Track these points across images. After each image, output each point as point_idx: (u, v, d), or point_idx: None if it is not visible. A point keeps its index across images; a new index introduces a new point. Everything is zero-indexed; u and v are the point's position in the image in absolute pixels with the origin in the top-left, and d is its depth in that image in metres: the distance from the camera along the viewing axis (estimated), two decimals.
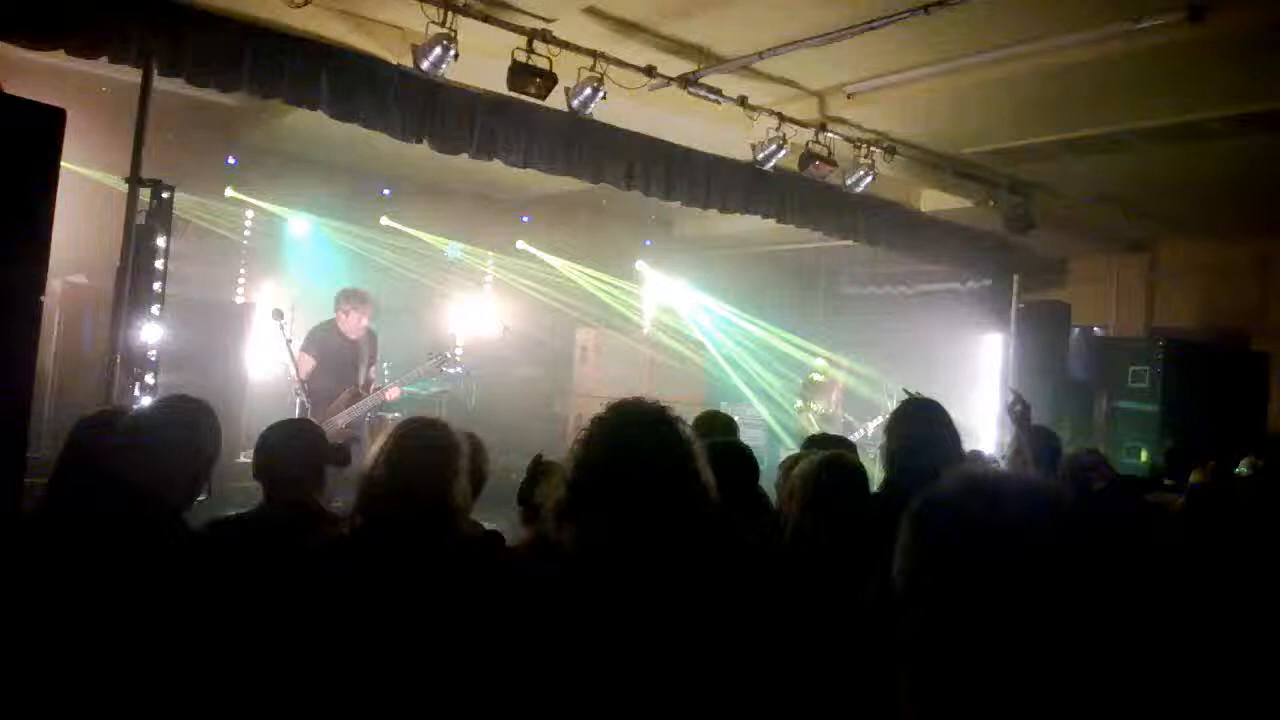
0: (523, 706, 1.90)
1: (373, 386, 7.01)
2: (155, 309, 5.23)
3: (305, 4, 4.95)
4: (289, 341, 6.56)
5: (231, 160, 8.56)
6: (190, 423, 2.69)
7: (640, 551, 1.94)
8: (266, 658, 2.52)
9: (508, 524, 3.21)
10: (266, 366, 8.14)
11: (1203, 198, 8.20)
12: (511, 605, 2.07)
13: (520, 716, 1.91)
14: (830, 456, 3.13)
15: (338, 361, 6.92)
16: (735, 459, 3.40)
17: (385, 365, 7.68)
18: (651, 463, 2.00)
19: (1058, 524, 1.22)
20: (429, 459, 2.63)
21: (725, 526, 2.24)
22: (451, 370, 7.55)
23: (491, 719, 2.00)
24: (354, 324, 7.00)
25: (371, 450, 2.68)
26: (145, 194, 5.18)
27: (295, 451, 3.07)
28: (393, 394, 7.11)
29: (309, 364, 6.77)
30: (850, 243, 9.08)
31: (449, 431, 2.75)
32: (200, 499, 2.68)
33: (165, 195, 5.22)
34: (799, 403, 10.14)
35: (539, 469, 3.19)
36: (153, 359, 5.25)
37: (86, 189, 6.83)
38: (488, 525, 3.05)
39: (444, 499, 2.62)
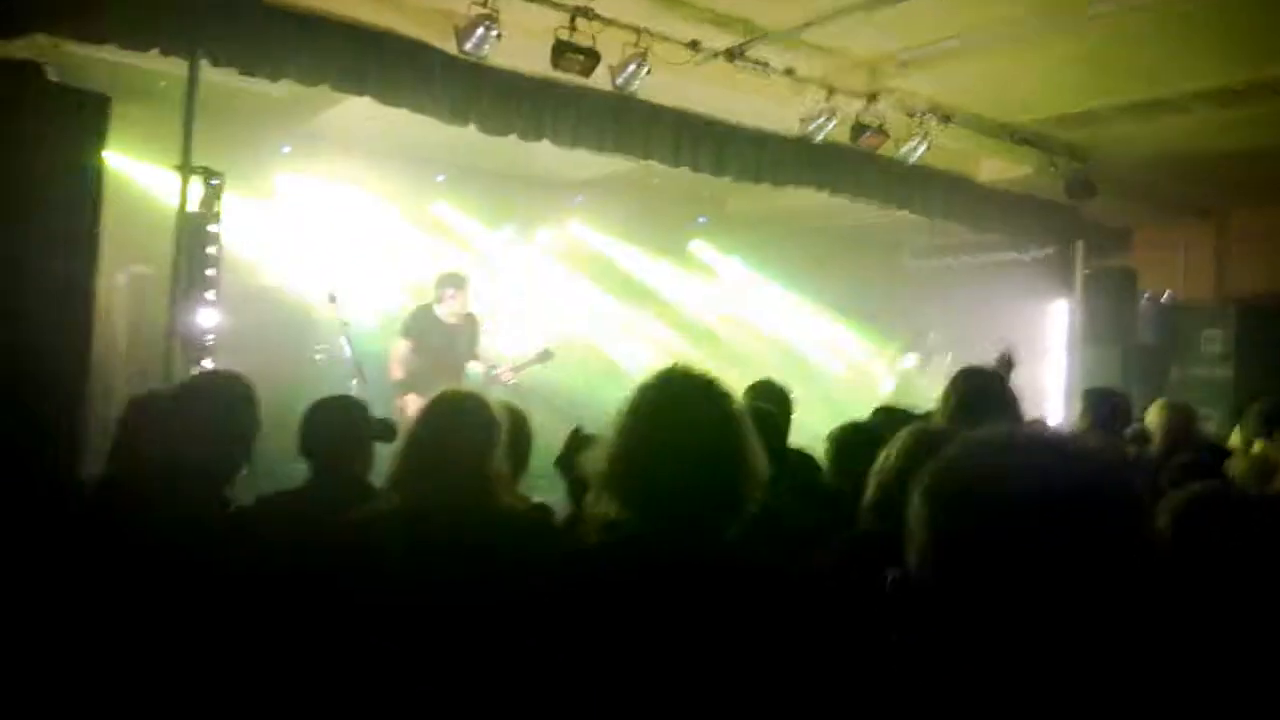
0: (565, 687, 1.86)
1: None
2: (210, 294, 5.35)
3: None
4: (345, 324, 6.66)
5: (286, 149, 8.67)
6: (224, 398, 2.73)
7: (679, 534, 1.88)
8: (311, 633, 2.55)
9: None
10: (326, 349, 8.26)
11: (1271, 160, 7.87)
12: (552, 583, 2.03)
13: (563, 696, 1.89)
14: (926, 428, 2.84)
15: (436, 346, 6.98)
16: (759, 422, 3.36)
17: None
18: (697, 437, 1.91)
19: (1079, 489, 1.12)
20: (463, 430, 2.62)
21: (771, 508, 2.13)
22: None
23: (533, 696, 1.98)
24: (455, 305, 7.06)
25: (405, 426, 2.70)
26: (196, 182, 5.29)
27: (339, 427, 3.10)
28: (507, 377, 7.20)
29: (404, 347, 6.86)
30: (909, 214, 8.92)
31: (484, 404, 2.74)
32: (241, 474, 2.72)
33: (215, 183, 5.32)
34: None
35: (579, 439, 3.18)
36: (209, 342, 5.36)
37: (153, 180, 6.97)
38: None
39: (480, 469, 2.61)
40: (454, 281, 7.12)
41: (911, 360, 9.80)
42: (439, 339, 6.99)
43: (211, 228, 5.34)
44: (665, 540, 1.88)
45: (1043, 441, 1.23)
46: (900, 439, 2.61)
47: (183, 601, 2.47)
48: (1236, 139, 7.35)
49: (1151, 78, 6.35)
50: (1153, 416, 4.86)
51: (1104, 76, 6.39)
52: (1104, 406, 4.73)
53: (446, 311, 7.02)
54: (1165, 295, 9.59)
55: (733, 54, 6.22)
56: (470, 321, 7.19)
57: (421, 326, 6.97)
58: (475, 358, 7.19)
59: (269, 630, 2.56)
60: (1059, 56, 6.10)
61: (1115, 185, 8.49)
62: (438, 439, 2.62)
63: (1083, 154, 8.04)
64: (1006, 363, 4.19)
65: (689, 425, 1.92)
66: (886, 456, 2.59)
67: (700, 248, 11.56)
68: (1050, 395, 9.66)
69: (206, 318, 5.38)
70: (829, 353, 11.68)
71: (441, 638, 2.39)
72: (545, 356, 7.47)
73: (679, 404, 1.96)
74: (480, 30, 5.39)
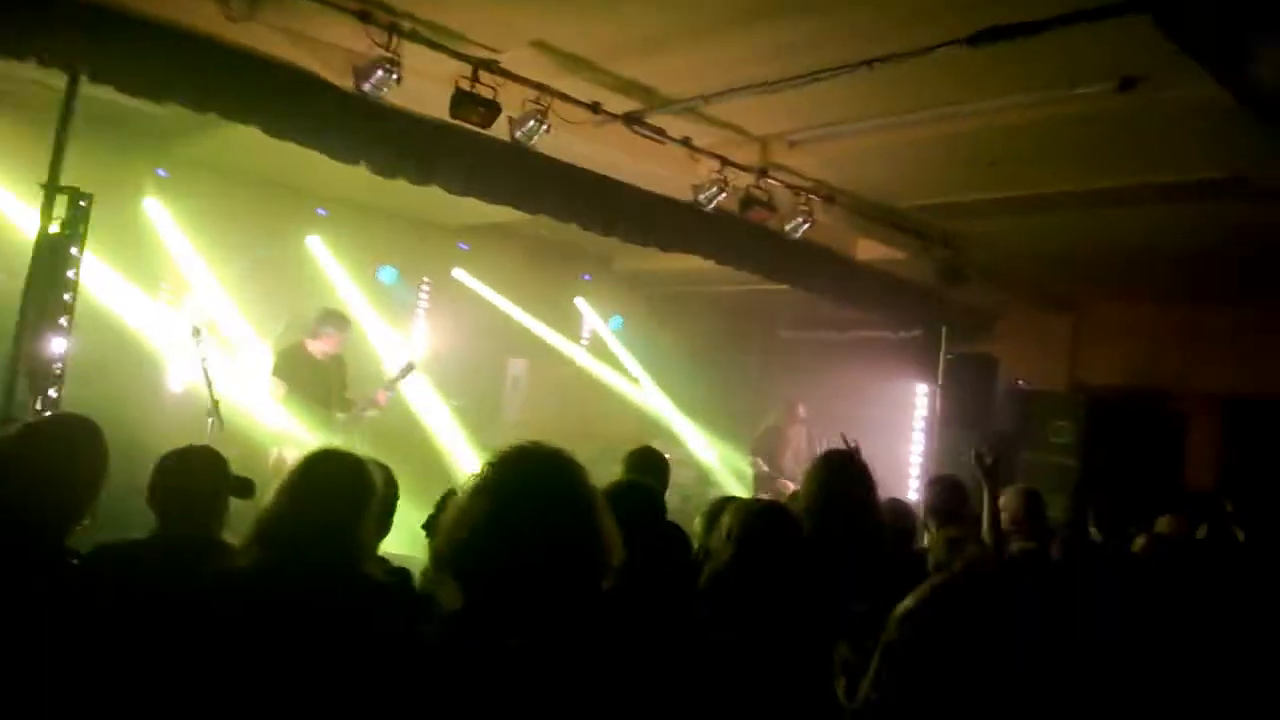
0: None
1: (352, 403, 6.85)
2: (64, 320, 5.03)
3: (246, 20, 4.81)
4: (204, 359, 6.35)
5: (162, 172, 8.32)
6: (69, 443, 2.55)
7: (521, 621, 1.79)
8: (149, 692, 2.39)
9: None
10: (182, 384, 7.90)
11: (1130, 261, 8.43)
12: (399, 659, 1.95)
13: None
14: (766, 502, 3.16)
15: (311, 383, 6.70)
16: (636, 502, 3.35)
17: None
18: (544, 523, 1.83)
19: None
20: (335, 496, 2.53)
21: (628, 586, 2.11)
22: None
23: None
24: (330, 345, 6.80)
25: (275, 483, 2.58)
26: (62, 201, 4.99)
27: (193, 479, 2.95)
28: (382, 399, 6.96)
29: (281, 390, 6.54)
30: (787, 287, 9.15)
31: (363, 467, 2.65)
32: (84, 523, 2.55)
33: (83, 204, 5.03)
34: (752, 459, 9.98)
35: (449, 502, 3.11)
36: (58, 371, 5.03)
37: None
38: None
39: (348, 539, 2.51)
40: (337, 321, 6.90)
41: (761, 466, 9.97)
42: (312, 378, 6.72)
43: (74, 250, 5.03)
44: (504, 627, 1.78)
45: None
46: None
47: (19, 656, 2.28)
48: (1099, 237, 7.83)
49: (1029, 174, 6.71)
50: (1007, 500, 5.08)
51: (981, 171, 6.71)
52: (943, 494, 5.01)
53: (320, 350, 6.77)
54: (1019, 383, 10.07)
55: (631, 119, 6.30)
56: (339, 363, 6.96)
57: (294, 365, 6.68)
58: (344, 399, 6.94)
59: (107, 686, 2.39)
60: (941, 147, 6.39)
61: (984, 273, 8.91)
62: (308, 502, 2.51)
63: (955, 242, 8.42)
64: (992, 455, 4.55)
65: (536, 508, 1.85)
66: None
67: (583, 305, 11.58)
68: (910, 475, 9.99)
69: (58, 344, 5.04)
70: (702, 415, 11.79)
71: (283, 703, 2.28)
72: (408, 369, 7.28)
73: (527, 484, 1.89)
74: (380, 72, 5.30)
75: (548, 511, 1.85)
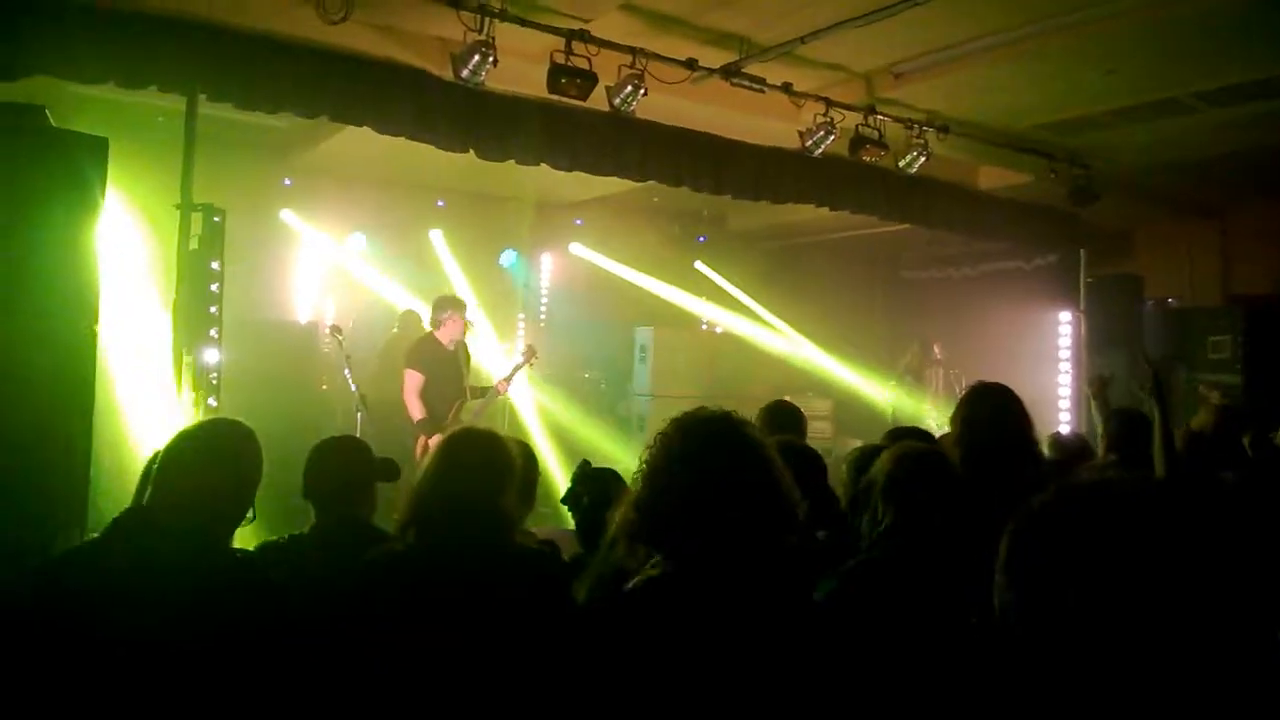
0: None
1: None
2: (213, 332, 5.32)
3: (342, 20, 4.96)
4: (348, 356, 6.62)
5: (287, 181, 8.70)
6: (223, 445, 2.69)
7: (724, 577, 1.85)
8: (323, 679, 2.51)
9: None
10: (331, 382, 8.27)
11: (1271, 158, 7.85)
12: (581, 628, 2.02)
13: None
14: (903, 448, 2.87)
15: (446, 374, 6.87)
16: (799, 460, 3.29)
17: None
18: (729, 480, 1.90)
19: (1179, 532, 1.10)
20: (481, 472, 2.59)
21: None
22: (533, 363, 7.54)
23: None
24: (456, 330, 6.97)
25: (422, 464, 2.67)
26: (198, 219, 5.27)
27: (341, 469, 3.07)
28: (502, 389, 7.15)
29: (418, 380, 6.73)
30: (909, 226, 8.91)
31: (501, 443, 2.71)
32: (249, 522, 2.68)
33: (217, 219, 5.30)
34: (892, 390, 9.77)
35: (585, 474, 3.16)
36: (214, 381, 5.33)
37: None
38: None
39: (496, 512, 2.58)
40: (454, 304, 7.02)
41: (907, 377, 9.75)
42: (446, 368, 6.87)
43: (214, 264, 5.31)
44: (705, 579, 1.85)
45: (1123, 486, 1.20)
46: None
47: (195, 645, 2.42)
48: (1235, 136, 7.34)
49: (1148, 80, 6.33)
50: (1199, 419, 4.79)
51: (1100, 81, 6.37)
52: (1127, 428, 4.64)
53: (448, 337, 6.92)
54: (1169, 301, 9.56)
55: (729, 71, 6.22)
56: (465, 351, 7.10)
57: (428, 356, 6.84)
58: (469, 388, 7.08)
59: (282, 677, 2.52)
60: (1054, 63, 6.10)
61: (1116, 188, 8.47)
62: (453, 480, 2.59)
63: (1083, 159, 8.02)
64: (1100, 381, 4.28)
65: (715, 469, 1.91)
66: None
67: (702, 266, 11.56)
68: (1059, 406, 9.61)
69: (210, 355, 5.34)
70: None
71: (455, 681, 2.36)
72: (530, 354, 7.38)
73: (704, 449, 1.95)
74: (476, 57, 5.39)
75: (738, 470, 1.91)
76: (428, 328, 7.13)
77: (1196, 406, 7.33)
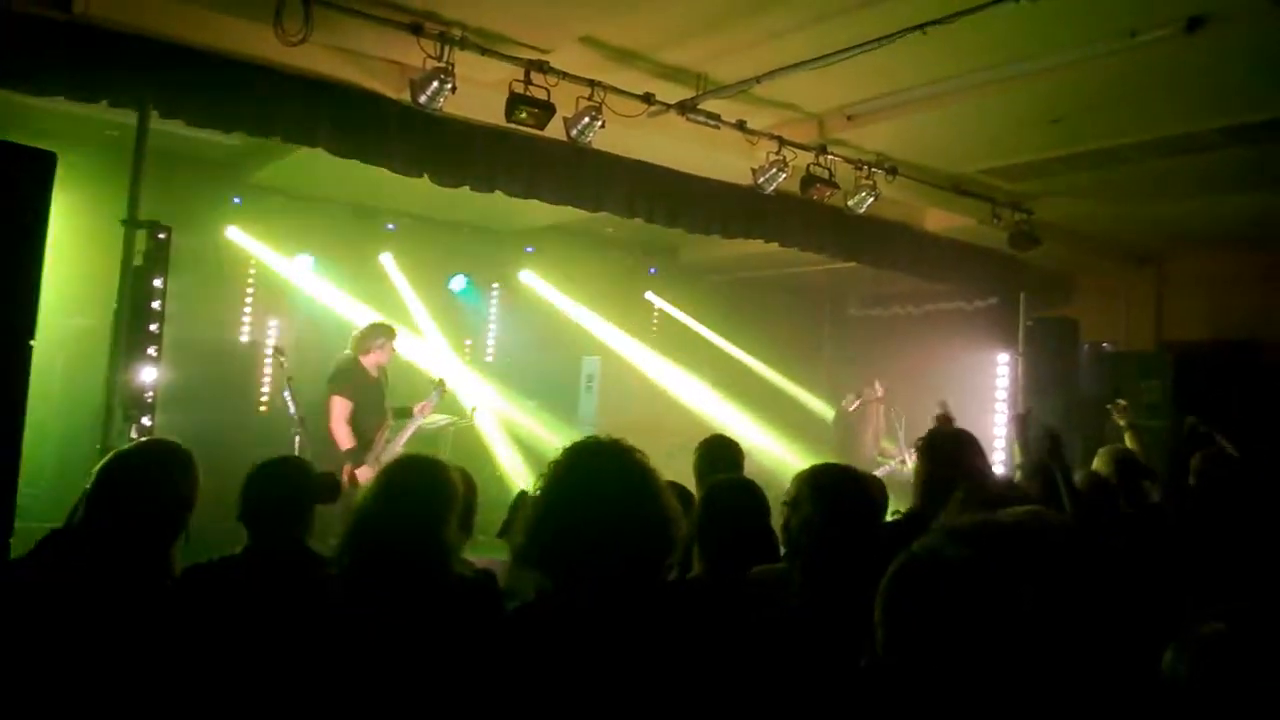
0: None
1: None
2: (152, 350, 5.22)
3: (301, 42, 4.94)
4: (289, 378, 6.52)
5: (236, 199, 8.59)
6: (161, 466, 2.65)
7: (591, 601, 1.93)
8: (251, 704, 2.47)
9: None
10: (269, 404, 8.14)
11: (1207, 208, 8.14)
12: (497, 650, 2.03)
13: None
14: (819, 466, 2.80)
15: (372, 401, 6.73)
16: (738, 499, 3.27)
17: None
18: (604, 504, 1.98)
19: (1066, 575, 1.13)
20: (422, 499, 2.58)
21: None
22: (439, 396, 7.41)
23: None
24: (384, 358, 6.83)
25: (360, 490, 2.65)
26: (142, 235, 5.18)
27: (279, 490, 3.02)
28: (426, 410, 7.03)
29: (346, 407, 6.54)
30: (855, 264, 9.06)
31: (444, 471, 2.71)
32: (179, 544, 2.65)
33: (162, 236, 5.21)
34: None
35: (523, 506, 3.14)
36: (149, 400, 5.22)
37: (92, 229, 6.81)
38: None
39: (437, 540, 2.57)
40: (386, 332, 6.90)
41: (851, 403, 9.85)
42: (371, 395, 6.74)
43: (157, 282, 5.22)
44: (586, 603, 1.94)
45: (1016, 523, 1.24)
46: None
47: (115, 675, 2.37)
48: (1173, 186, 7.59)
49: (1089, 130, 6.54)
50: (1099, 464, 4.95)
51: (1044, 129, 6.56)
52: (1044, 441, 4.79)
53: (374, 364, 6.81)
54: (1104, 345, 9.80)
55: (685, 107, 6.29)
56: (383, 373, 6.99)
57: (355, 382, 6.71)
58: (388, 407, 6.97)
59: (204, 698, 2.48)
60: (1000, 111, 6.27)
61: (1057, 234, 8.71)
62: (394, 507, 2.57)
63: (1025, 204, 8.24)
64: (945, 420, 4.33)
65: (602, 495, 2.00)
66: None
67: (652, 297, 11.62)
68: (994, 446, 9.79)
69: (148, 374, 5.23)
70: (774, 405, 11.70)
71: (386, 709, 2.34)
72: (440, 388, 7.27)
73: (592, 476, 2.05)
74: (435, 83, 5.39)
75: (610, 496, 2.00)
76: (349, 351, 6.89)
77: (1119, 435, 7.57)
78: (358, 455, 6.46)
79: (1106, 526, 4.17)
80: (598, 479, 2.03)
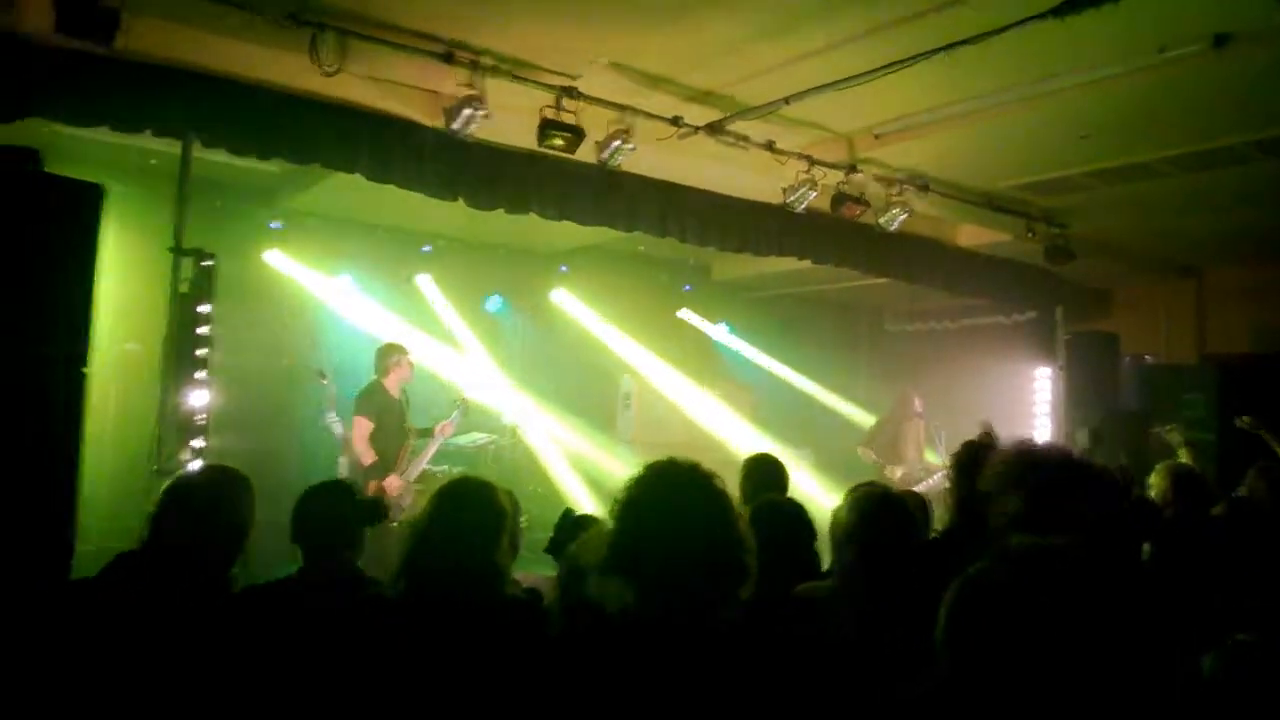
0: None
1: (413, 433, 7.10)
2: (201, 374, 5.36)
3: (336, 72, 5.09)
4: (334, 400, 6.68)
5: (275, 224, 8.77)
6: (221, 493, 2.75)
7: (677, 618, 1.96)
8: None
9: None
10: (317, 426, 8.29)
11: (1246, 220, 8.04)
12: (555, 670, 2.10)
13: None
14: (862, 491, 2.96)
15: (393, 420, 6.97)
16: (785, 522, 3.33)
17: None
18: (688, 526, 2.02)
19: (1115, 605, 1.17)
20: (476, 522, 2.65)
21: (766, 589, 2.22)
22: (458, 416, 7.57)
23: None
24: (404, 375, 7.07)
25: (418, 510, 2.72)
26: (188, 263, 5.35)
27: (328, 513, 3.12)
28: (448, 430, 7.19)
29: (368, 427, 6.79)
30: (890, 281, 9.05)
31: (495, 493, 2.76)
32: (237, 569, 2.74)
33: (206, 264, 5.37)
34: (861, 451, 9.71)
35: (568, 522, 3.20)
36: (200, 423, 5.37)
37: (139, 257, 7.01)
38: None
39: (490, 562, 2.63)
40: (399, 350, 7.13)
41: (870, 457, 9.71)
42: (392, 414, 6.96)
43: (203, 308, 5.38)
44: (671, 620, 1.97)
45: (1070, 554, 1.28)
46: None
47: (175, 697, 2.46)
48: (1207, 200, 7.52)
49: (1120, 146, 6.51)
50: (1154, 480, 4.89)
51: (1074, 145, 6.54)
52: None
53: (395, 383, 7.03)
54: (1145, 358, 9.69)
55: (714, 128, 6.36)
56: (405, 395, 7.18)
57: (378, 403, 6.93)
58: (409, 427, 7.14)
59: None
60: (1028, 129, 6.27)
61: (1093, 247, 8.65)
62: (448, 528, 2.64)
63: (1060, 219, 8.20)
64: (988, 439, 4.27)
65: (684, 512, 2.04)
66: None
67: (687, 315, 11.67)
68: None
69: (198, 398, 5.38)
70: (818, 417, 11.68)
71: None
72: (462, 407, 7.41)
73: (672, 493, 2.08)
74: (468, 110, 5.52)
75: (698, 519, 2.05)
76: (375, 375, 7.14)
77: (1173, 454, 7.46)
78: (380, 471, 6.69)
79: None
80: (683, 499, 2.07)
